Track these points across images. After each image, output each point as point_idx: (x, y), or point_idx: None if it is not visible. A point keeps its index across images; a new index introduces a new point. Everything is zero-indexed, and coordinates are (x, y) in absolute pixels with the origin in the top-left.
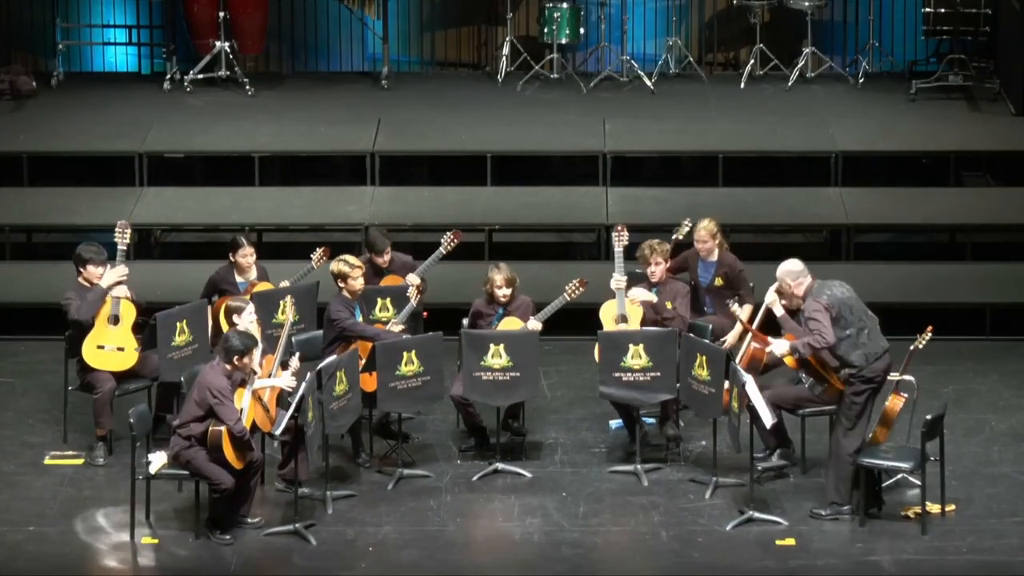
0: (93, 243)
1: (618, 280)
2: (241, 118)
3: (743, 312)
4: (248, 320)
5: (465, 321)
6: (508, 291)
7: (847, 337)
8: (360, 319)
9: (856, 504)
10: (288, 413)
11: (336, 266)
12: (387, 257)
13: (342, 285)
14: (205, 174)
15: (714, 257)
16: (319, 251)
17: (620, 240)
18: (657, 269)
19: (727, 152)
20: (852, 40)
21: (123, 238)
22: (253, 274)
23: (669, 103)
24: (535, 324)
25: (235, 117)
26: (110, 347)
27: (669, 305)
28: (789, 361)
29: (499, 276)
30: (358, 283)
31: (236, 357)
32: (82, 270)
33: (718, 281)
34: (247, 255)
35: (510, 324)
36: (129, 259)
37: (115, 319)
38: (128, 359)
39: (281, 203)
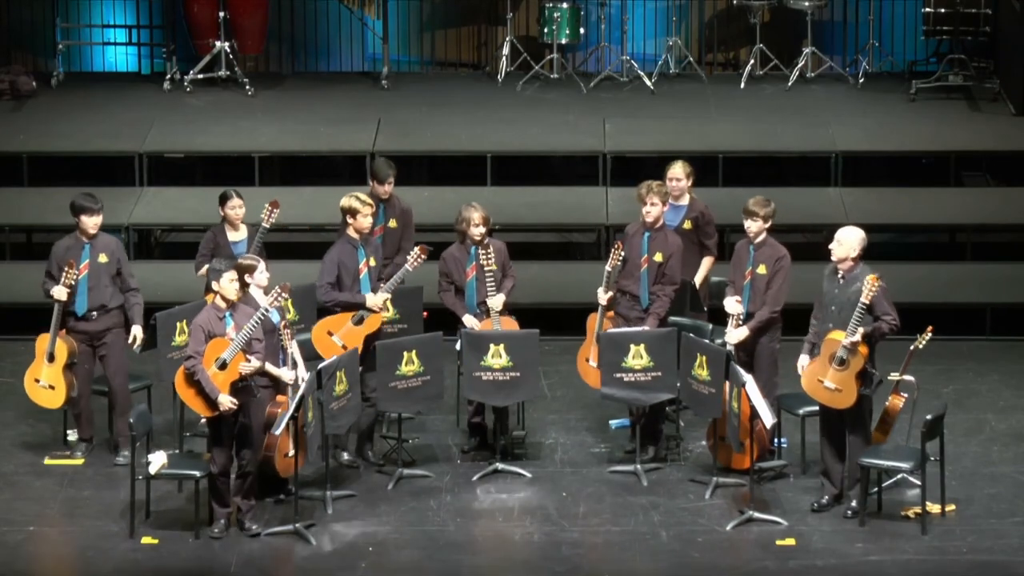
0: (91, 194)
1: (602, 296)
2: (241, 118)
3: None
4: (262, 278)
5: (440, 269)
6: (483, 229)
7: None
8: (363, 262)
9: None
10: (288, 413)
11: (347, 201)
12: (388, 188)
13: (351, 221)
14: (205, 174)
15: (685, 200)
16: (267, 207)
17: (614, 258)
18: (653, 210)
19: (727, 152)
20: (852, 40)
21: (69, 279)
22: (243, 232)
23: (669, 103)
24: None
25: (235, 117)
26: (43, 382)
27: (659, 257)
28: (863, 350)
29: (476, 214)
30: (366, 220)
31: (215, 279)
32: (76, 220)
33: (687, 224)
34: (235, 207)
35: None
36: (130, 259)
37: (51, 356)
38: (56, 398)
39: (281, 203)
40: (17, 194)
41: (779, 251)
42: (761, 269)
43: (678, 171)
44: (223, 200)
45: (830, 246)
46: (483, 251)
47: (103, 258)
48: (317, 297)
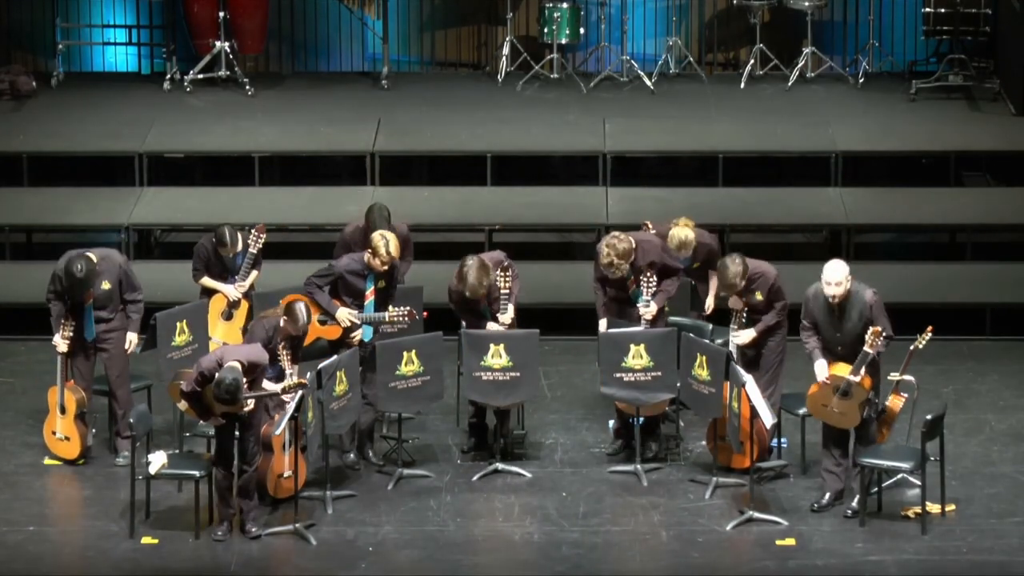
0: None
1: (646, 311)
2: (241, 118)
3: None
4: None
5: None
6: (483, 292)
7: None
8: (370, 289)
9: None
10: (288, 414)
11: (376, 238)
12: (385, 259)
13: (370, 254)
14: (205, 174)
15: (689, 252)
16: (254, 232)
17: (648, 286)
18: (623, 272)
19: (727, 152)
20: (852, 40)
21: (67, 331)
22: (239, 245)
23: (669, 103)
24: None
25: (235, 117)
26: (59, 434)
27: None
28: (866, 383)
29: (482, 285)
30: (381, 268)
31: (221, 395)
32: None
33: (696, 264)
34: (227, 252)
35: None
36: (130, 259)
37: (62, 408)
38: (73, 449)
39: (281, 203)
40: (17, 194)
41: (769, 276)
42: (757, 295)
43: (686, 240)
44: (218, 241)
45: (831, 291)
46: (503, 274)
47: (106, 285)
48: (319, 272)
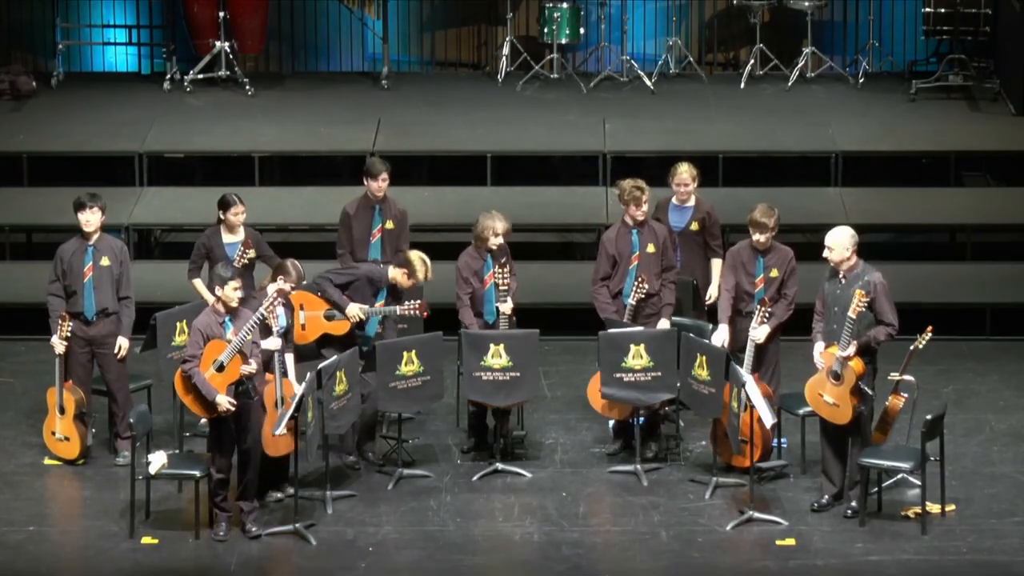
0: (93, 193)
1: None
2: (241, 118)
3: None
4: (286, 286)
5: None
6: (502, 241)
7: None
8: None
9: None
10: (288, 413)
11: (415, 259)
12: (382, 184)
13: (404, 273)
14: (205, 174)
15: (691, 202)
16: (240, 248)
17: (638, 292)
18: (646, 207)
19: (727, 152)
20: (852, 40)
21: (64, 330)
22: (242, 234)
23: (669, 103)
24: None
25: (235, 117)
26: (59, 435)
27: (651, 248)
28: (857, 366)
29: (500, 225)
30: (405, 282)
31: (219, 285)
32: (78, 215)
33: (694, 225)
34: (239, 213)
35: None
36: (132, 258)
37: (61, 408)
38: (73, 449)
39: (281, 203)
40: (17, 194)
41: (787, 252)
42: (773, 272)
43: (685, 176)
44: (225, 206)
45: (825, 254)
46: (499, 268)
47: (105, 261)
48: (335, 269)
